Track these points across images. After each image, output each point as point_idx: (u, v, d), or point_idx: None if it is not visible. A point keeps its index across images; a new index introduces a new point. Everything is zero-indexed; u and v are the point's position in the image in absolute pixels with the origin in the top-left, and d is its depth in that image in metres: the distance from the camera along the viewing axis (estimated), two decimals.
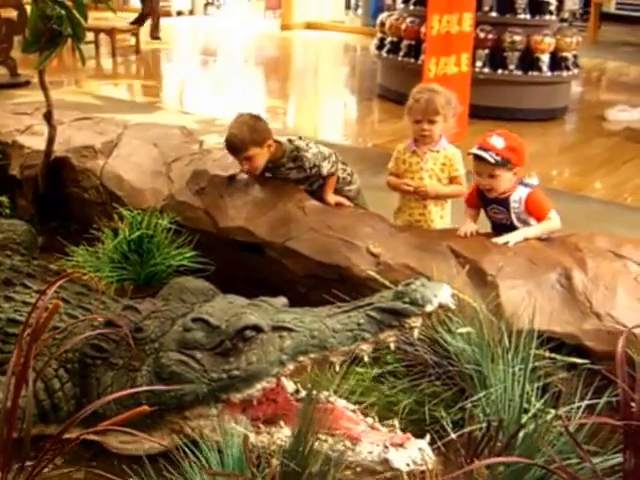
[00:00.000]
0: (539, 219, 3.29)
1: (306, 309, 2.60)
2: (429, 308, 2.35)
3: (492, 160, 3.20)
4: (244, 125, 3.56)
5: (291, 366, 2.43)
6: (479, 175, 3.32)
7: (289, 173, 3.71)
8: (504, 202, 3.32)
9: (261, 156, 3.59)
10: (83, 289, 3.00)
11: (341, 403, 2.56)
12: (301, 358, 2.42)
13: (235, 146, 3.56)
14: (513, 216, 3.32)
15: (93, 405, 2.27)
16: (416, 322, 2.38)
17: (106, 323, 2.70)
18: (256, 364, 2.44)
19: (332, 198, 3.70)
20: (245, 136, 3.52)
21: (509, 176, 3.27)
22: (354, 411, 2.54)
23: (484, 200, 3.41)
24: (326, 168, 3.67)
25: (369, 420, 2.49)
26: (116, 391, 2.50)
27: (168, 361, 2.51)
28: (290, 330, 2.47)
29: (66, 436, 2.19)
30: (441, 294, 2.38)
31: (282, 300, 2.71)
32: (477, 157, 3.28)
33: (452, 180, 3.62)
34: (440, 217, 3.67)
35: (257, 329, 2.48)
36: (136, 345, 2.61)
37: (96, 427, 2.20)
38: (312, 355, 2.40)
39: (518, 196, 3.29)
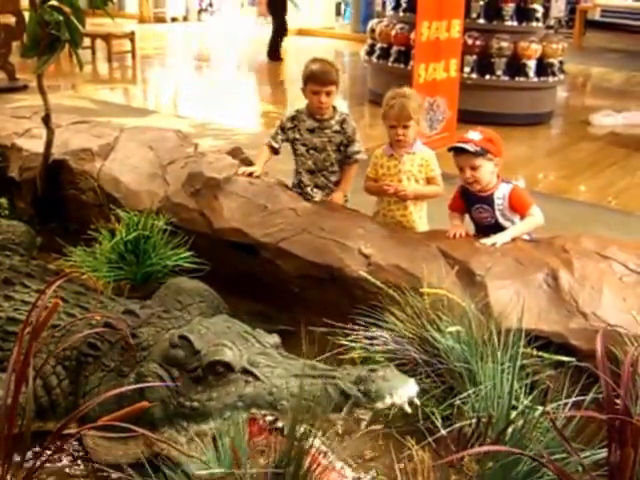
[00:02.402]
0: (522, 214, 3.36)
1: (287, 358, 2.55)
2: (379, 405, 2.25)
3: (472, 149, 3.29)
4: (329, 65, 3.88)
5: (244, 415, 2.39)
6: (462, 170, 3.38)
7: (333, 136, 3.89)
8: (488, 200, 3.40)
9: (334, 95, 3.88)
10: (81, 288, 3.02)
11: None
12: (254, 410, 2.38)
13: (324, 76, 3.80)
14: (498, 213, 3.39)
15: (91, 402, 2.29)
16: (364, 414, 2.31)
17: (105, 324, 2.71)
18: (214, 402, 2.41)
19: (340, 197, 3.90)
20: (333, 72, 3.83)
21: (490, 167, 3.35)
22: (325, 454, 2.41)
23: (468, 202, 3.49)
24: (358, 145, 3.92)
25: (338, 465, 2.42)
26: (103, 393, 2.49)
27: (146, 371, 2.51)
28: (256, 379, 2.43)
29: (65, 432, 2.21)
30: (399, 392, 2.25)
31: (274, 339, 2.66)
32: (457, 151, 3.35)
33: (429, 180, 3.68)
34: (419, 217, 3.74)
35: (228, 367, 2.44)
36: (129, 351, 2.63)
37: (93, 424, 2.21)
38: (263, 411, 2.37)
39: (502, 193, 3.38)
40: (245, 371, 2.45)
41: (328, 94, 3.81)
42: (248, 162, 4.21)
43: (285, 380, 2.40)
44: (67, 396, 2.67)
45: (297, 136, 3.93)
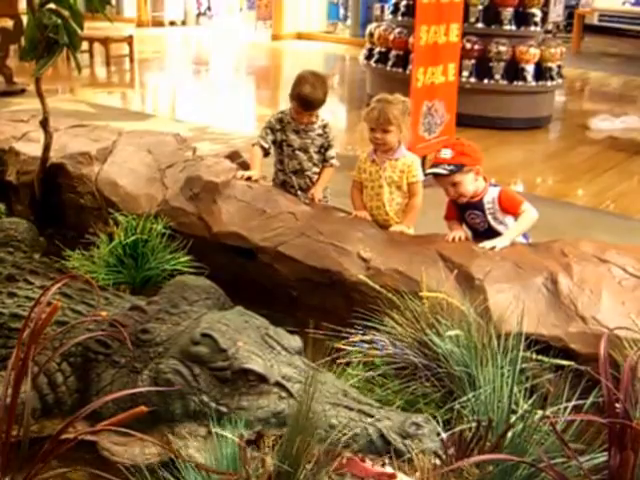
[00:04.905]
0: (514, 214, 3.38)
1: (317, 372, 2.48)
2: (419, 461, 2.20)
3: (445, 171, 3.35)
4: (320, 86, 3.91)
5: (275, 431, 2.34)
6: (445, 189, 3.45)
7: (315, 139, 4.00)
8: (478, 205, 3.42)
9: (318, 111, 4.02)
10: (86, 285, 2.98)
11: None
12: (286, 430, 2.28)
13: (310, 103, 3.90)
14: (489, 217, 3.41)
15: (94, 404, 2.26)
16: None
17: (112, 321, 2.67)
18: (245, 412, 2.37)
19: (319, 193, 3.96)
20: (320, 97, 3.90)
21: (471, 178, 3.38)
22: None
23: (460, 210, 3.51)
24: (334, 151, 4.08)
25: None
26: (115, 390, 2.49)
27: (166, 368, 2.48)
28: (291, 396, 2.38)
29: (64, 436, 2.16)
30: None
31: (297, 342, 2.62)
32: (434, 175, 3.41)
33: (409, 186, 3.69)
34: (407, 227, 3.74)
35: (261, 378, 2.41)
36: (140, 347, 2.59)
37: (94, 427, 2.20)
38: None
39: (491, 197, 3.41)
40: (279, 384, 2.41)
41: (311, 115, 3.95)
42: (246, 166, 4.21)
43: (322, 406, 2.32)
44: (73, 393, 2.64)
45: (284, 137, 4.02)
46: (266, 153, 4.03)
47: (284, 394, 2.40)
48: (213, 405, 2.40)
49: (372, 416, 2.31)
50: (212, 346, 2.46)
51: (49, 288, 2.34)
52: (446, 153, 3.40)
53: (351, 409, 2.33)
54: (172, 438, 2.43)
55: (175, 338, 2.59)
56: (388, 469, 2.26)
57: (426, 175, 3.55)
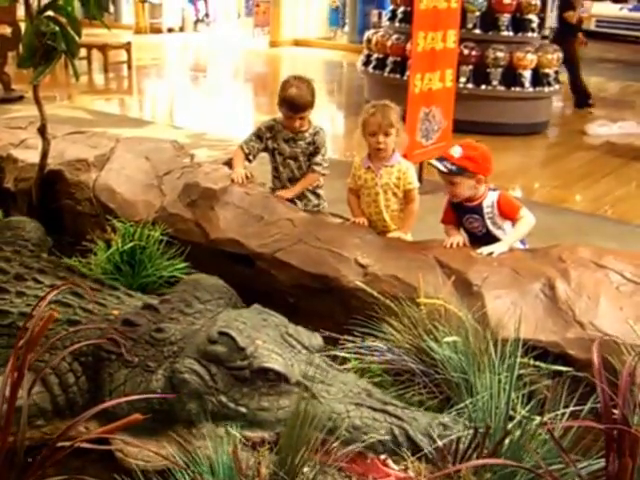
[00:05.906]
0: (512, 219, 3.37)
1: (335, 370, 2.47)
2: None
3: (444, 169, 3.34)
4: (306, 88, 3.89)
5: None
6: (444, 183, 3.45)
7: (306, 147, 3.98)
8: (477, 209, 3.41)
9: (309, 114, 3.97)
10: (96, 284, 2.97)
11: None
12: (283, 434, 2.26)
13: (298, 105, 3.86)
14: (488, 222, 3.40)
15: (98, 407, 2.23)
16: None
17: (124, 320, 2.66)
18: (266, 413, 2.32)
19: (291, 194, 3.94)
20: (308, 99, 3.87)
21: (470, 183, 3.36)
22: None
23: (458, 214, 3.50)
24: (320, 158, 4.00)
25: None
26: (129, 390, 2.46)
27: (182, 367, 2.42)
28: (313, 396, 2.32)
29: (61, 444, 2.14)
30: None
31: (317, 340, 2.58)
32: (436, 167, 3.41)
33: (406, 193, 3.69)
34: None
35: (281, 376, 2.35)
36: (154, 346, 2.55)
37: (103, 429, 2.18)
38: (321, 435, 2.21)
39: (490, 201, 3.39)
40: (299, 384, 2.36)
41: (302, 118, 3.92)
42: (230, 165, 4.22)
43: (345, 407, 2.29)
44: (84, 394, 2.59)
45: (275, 145, 4.03)
46: (247, 158, 4.03)
47: (305, 394, 2.34)
48: (232, 405, 2.34)
49: (397, 417, 2.27)
50: (230, 345, 2.40)
51: (59, 287, 2.33)
52: (456, 151, 3.36)
53: (375, 409, 2.29)
54: (189, 439, 2.39)
55: (190, 337, 2.54)
56: (410, 473, 2.24)
57: (429, 164, 3.53)
